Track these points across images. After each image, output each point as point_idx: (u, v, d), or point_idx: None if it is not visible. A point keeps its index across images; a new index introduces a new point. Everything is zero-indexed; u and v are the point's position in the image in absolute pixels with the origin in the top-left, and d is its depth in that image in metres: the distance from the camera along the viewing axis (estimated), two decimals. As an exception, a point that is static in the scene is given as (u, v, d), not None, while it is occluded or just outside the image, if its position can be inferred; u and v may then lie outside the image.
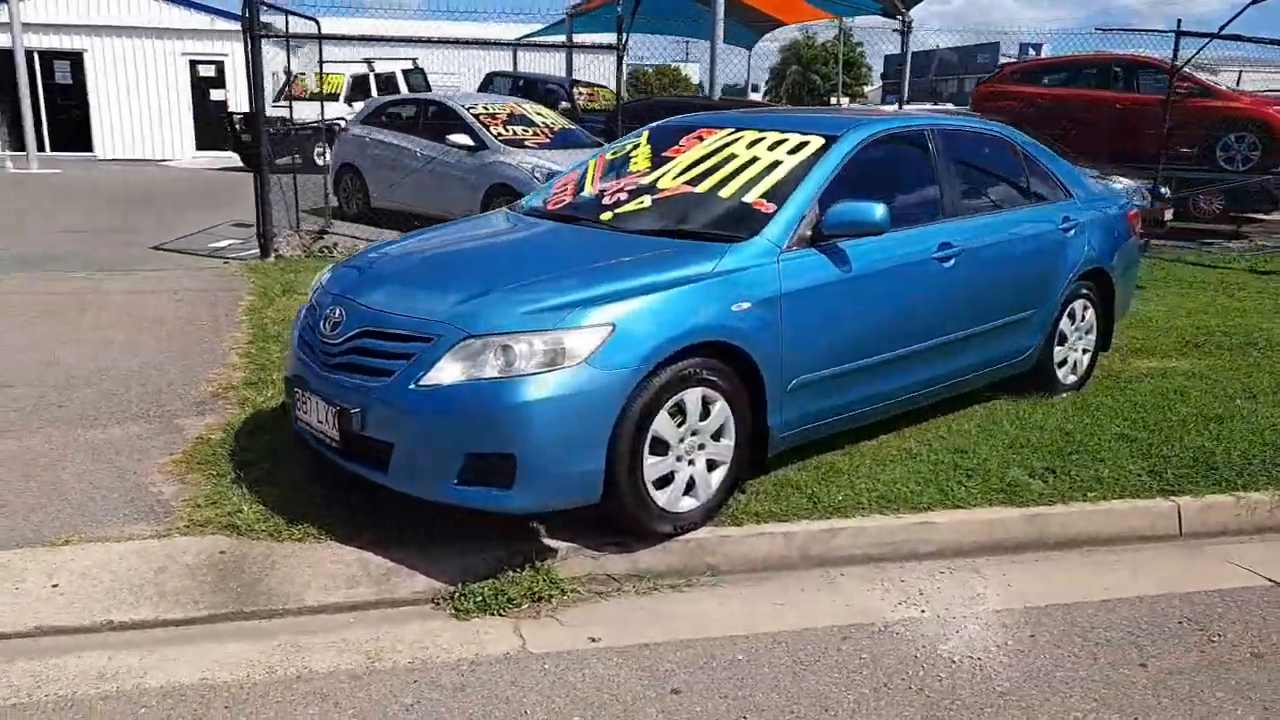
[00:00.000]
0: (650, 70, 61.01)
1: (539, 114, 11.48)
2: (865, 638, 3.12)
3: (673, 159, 4.40)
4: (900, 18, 19.44)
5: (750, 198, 3.97)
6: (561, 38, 20.67)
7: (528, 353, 3.14)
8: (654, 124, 4.94)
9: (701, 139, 4.50)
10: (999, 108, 13.74)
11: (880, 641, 3.11)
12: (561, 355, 3.16)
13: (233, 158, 20.22)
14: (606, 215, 4.17)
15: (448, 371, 3.16)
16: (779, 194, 3.94)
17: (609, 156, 4.78)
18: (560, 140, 10.87)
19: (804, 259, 3.80)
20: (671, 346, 3.31)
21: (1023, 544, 3.84)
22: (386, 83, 23.17)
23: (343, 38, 11.49)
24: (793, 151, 4.17)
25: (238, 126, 19.30)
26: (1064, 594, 3.46)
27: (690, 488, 3.56)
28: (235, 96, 22.43)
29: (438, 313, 3.32)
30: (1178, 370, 5.83)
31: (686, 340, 3.36)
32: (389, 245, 4.38)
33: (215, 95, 22.65)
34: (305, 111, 19.75)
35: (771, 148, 4.24)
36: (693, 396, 3.46)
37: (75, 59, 22.07)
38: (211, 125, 21.66)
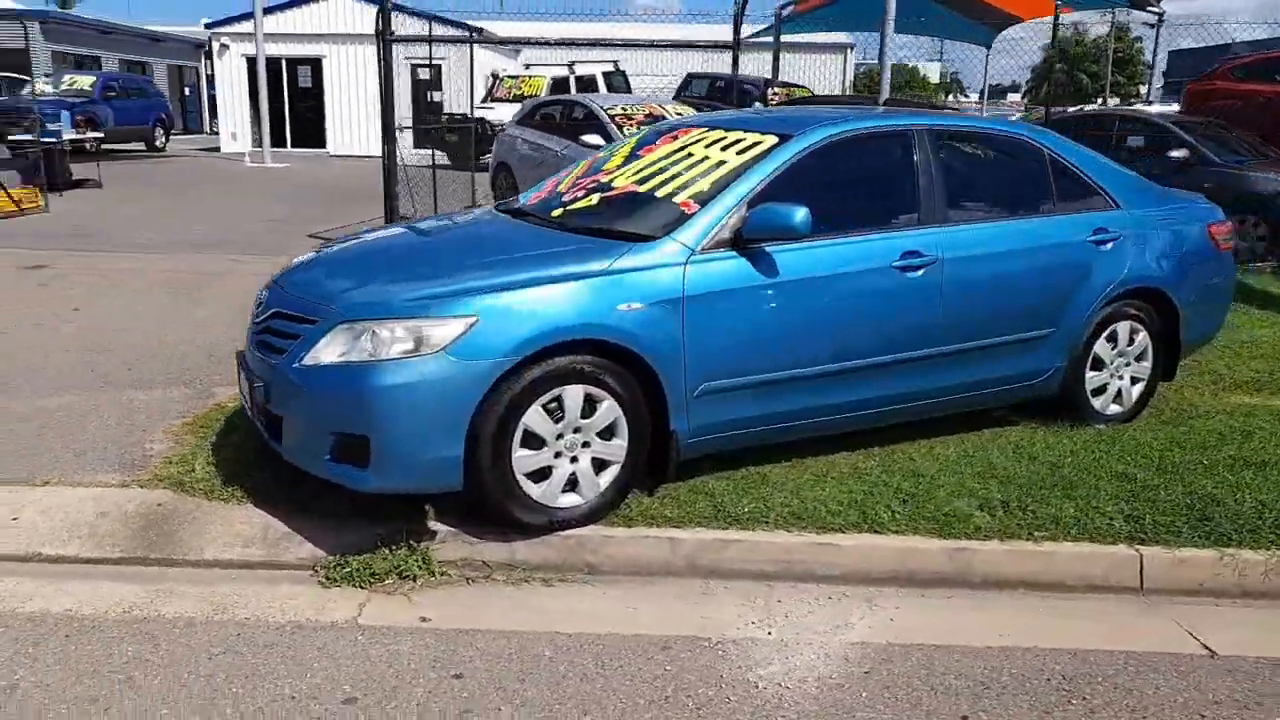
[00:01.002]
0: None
1: (678, 114, 11.59)
2: (687, 650, 3.04)
3: (640, 158, 4.40)
4: (1150, 9, 17.84)
5: (680, 198, 3.91)
6: (752, 37, 20.56)
7: (390, 339, 3.29)
8: (655, 124, 4.94)
9: (676, 138, 4.47)
10: (1213, 107, 12.42)
11: (699, 656, 3.01)
12: (422, 343, 3.28)
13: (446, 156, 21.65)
14: (557, 212, 4.24)
15: (325, 352, 3.37)
16: (709, 195, 3.85)
17: (601, 155, 4.83)
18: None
19: (719, 262, 3.71)
20: (540, 342, 3.35)
21: (943, 579, 3.55)
22: (587, 84, 23.99)
23: (540, 42, 12.07)
24: (742, 152, 4.06)
25: (444, 127, 20.66)
26: (945, 636, 3.18)
27: (574, 485, 3.57)
28: (450, 99, 23.98)
29: (328, 297, 3.54)
30: (1271, 409, 5.11)
31: (558, 337, 3.38)
32: (365, 233, 4.64)
33: (435, 97, 24.30)
34: (508, 112, 20.86)
35: (726, 148, 4.15)
36: (573, 393, 3.47)
37: (315, 64, 24.46)
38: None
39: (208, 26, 24.56)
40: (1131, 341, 4.78)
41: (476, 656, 2.97)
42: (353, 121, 24.16)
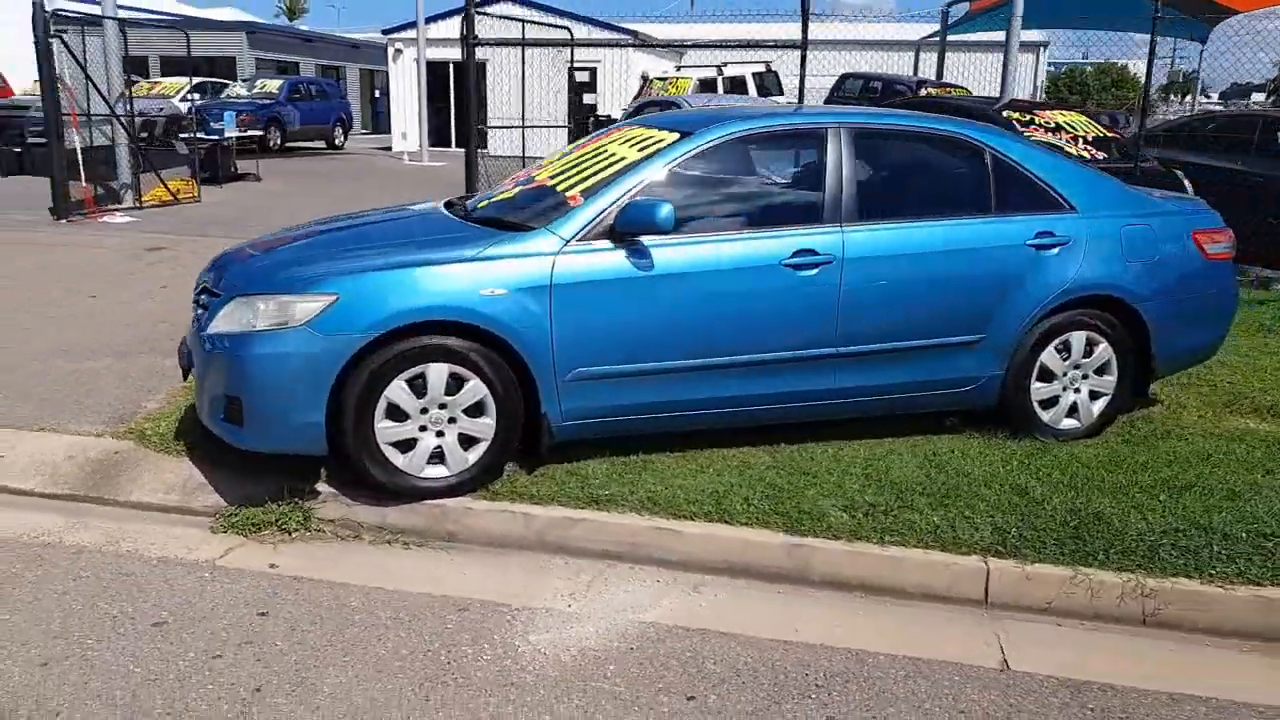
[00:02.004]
0: (1090, 69, 55.59)
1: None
2: (480, 613, 3.24)
3: (570, 155, 4.60)
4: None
5: (572, 192, 4.09)
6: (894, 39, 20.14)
7: (263, 312, 3.67)
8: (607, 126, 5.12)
9: (608, 136, 4.64)
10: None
11: (487, 619, 3.21)
12: (289, 317, 3.64)
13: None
14: (483, 204, 4.51)
15: (220, 322, 3.78)
16: (594, 190, 4.02)
17: (557, 153, 5.06)
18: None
19: (593, 254, 3.87)
20: (396, 321, 3.63)
21: (782, 574, 3.58)
22: (736, 85, 24.06)
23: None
24: (643, 149, 4.19)
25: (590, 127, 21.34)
26: (738, 626, 3.23)
27: (441, 458, 3.84)
28: (604, 100, 24.69)
29: (235, 274, 3.95)
30: (1257, 434, 4.73)
31: (415, 317, 3.65)
32: (318, 221, 5.03)
33: (587, 99, 25.08)
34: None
35: (634, 145, 4.29)
36: (437, 371, 3.74)
37: (479, 67, 25.72)
38: (582, 126, 24.03)
39: (385, 33, 26.33)
40: (1089, 353, 4.54)
41: (291, 600, 3.29)
42: (511, 123, 25.26)
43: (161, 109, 16.82)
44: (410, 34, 24.87)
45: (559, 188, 4.21)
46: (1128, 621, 3.34)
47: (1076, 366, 4.56)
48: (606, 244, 3.89)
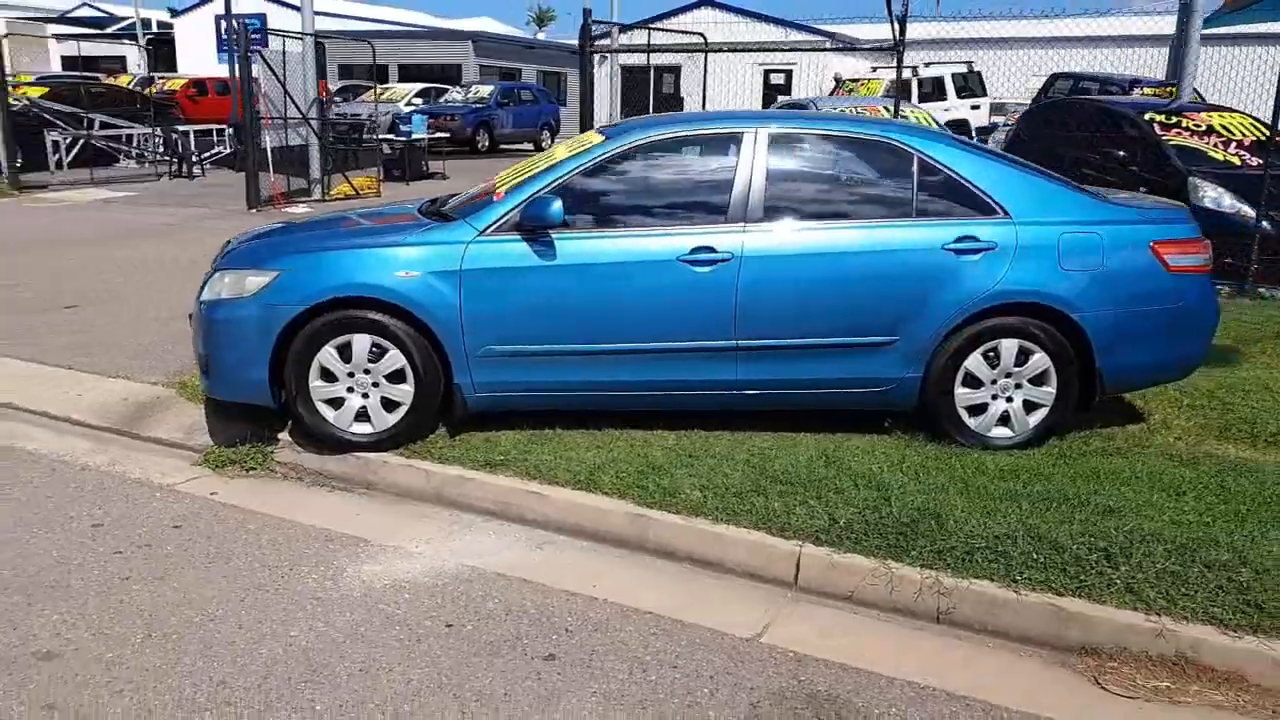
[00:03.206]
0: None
1: (902, 117, 11.43)
2: (340, 545, 3.82)
3: (539, 157, 5.09)
4: None
5: (500, 189, 4.59)
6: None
7: (227, 284, 4.43)
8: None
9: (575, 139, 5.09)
10: None
11: (340, 549, 3.78)
12: (243, 289, 4.38)
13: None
14: (450, 202, 5.08)
15: (204, 292, 4.58)
16: (515, 186, 4.49)
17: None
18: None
19: (500, 244, 4.35)
20: (322, 296, 4.28)
21: (623, 540, 3.92)
22: (933, 86, 23.41)
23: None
24: (572, 150, 4.62)
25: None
26: (546, 577, 3.60)
27: (366, 416, 4.46)
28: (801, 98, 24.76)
29: (226, 254, 4.74)
30: (1224, 460, 4.50)
31: (338, 293, 4.29)
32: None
33: (781, 99, 25.23)
34: None
35: (571, 146, 4.72)
36: (361, 341, 4.36)
37: (676, 72, 26.47)
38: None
39: (592, 39, 27.62)
40: (1023, 362, 4.49)
41: (205, 520, 4.01)
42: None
43: (358, 114, 18.67)
44: (608, 42, 26.03)
45: (497, 184, 4.71)
46: (922, 617, 3.42)
47: (1008, 375, 4.52)
48: (515, 236, 4.35)
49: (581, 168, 4.48)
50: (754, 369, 4.47)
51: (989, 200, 4.47)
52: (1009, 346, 4.47)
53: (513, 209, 4.37)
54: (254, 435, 4.74)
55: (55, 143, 15.25)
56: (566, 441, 4.53)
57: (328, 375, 4.41)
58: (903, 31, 9.07)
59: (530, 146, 26.68)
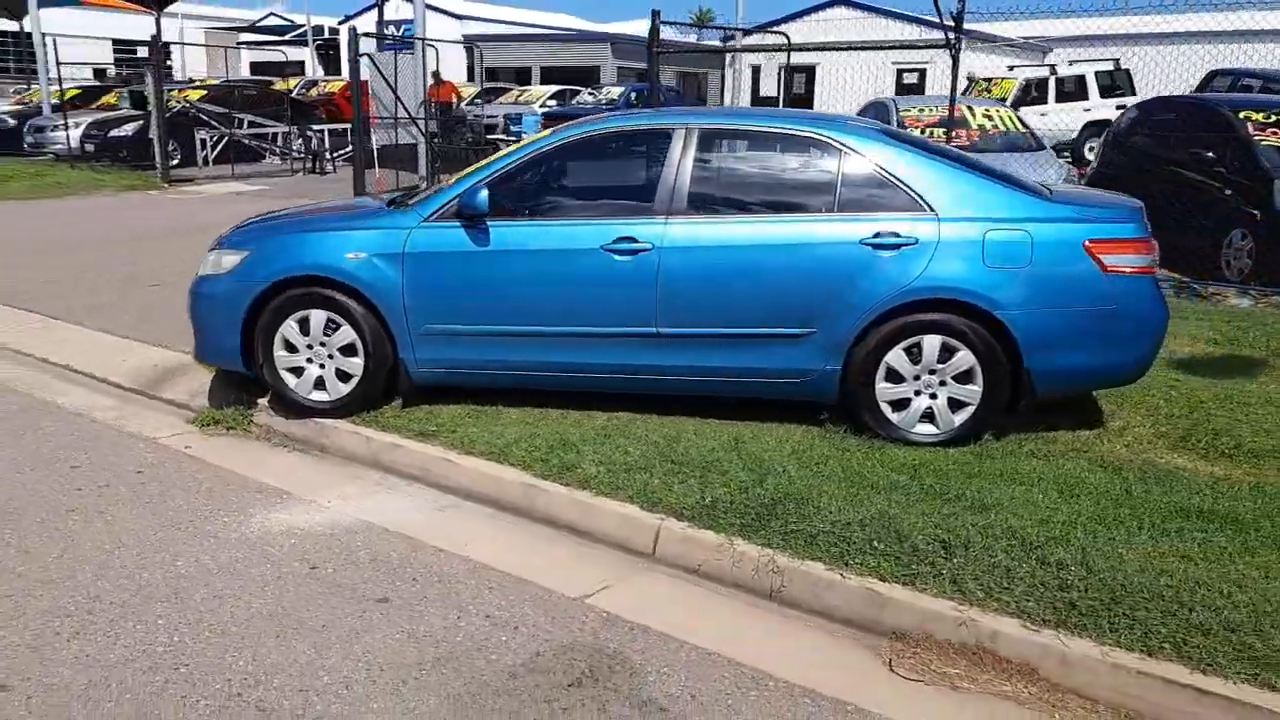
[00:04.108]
0: None
1: (985, 116, 11.15)
2: (267, 496, 4.27)
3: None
4: None
5: (452, 179, 4.95)
6: None
7: (210, 262, 4.99)
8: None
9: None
10: None
11: (265, 500, 4.23)
12: (221, 267, 4.92)
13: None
14: (419, 193, 5.48)
15: (199, 270, 5.17)
16: (465, 177, 4.85)
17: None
18: (980, 147, 10.55)
19: (439, 230, 4.71)
20: (282, 274, 4.76)
21: (518, 507, 4.20)
22: (1075, 85, 22.38)
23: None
24: (520, 143, 4.93)
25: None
26: (429, 536, 3.92)
27: (323, 385, 4.92)
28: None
29: (221, 237, 5.30)
30: (1156, 467, 4.38)
31: (296, 271, 4.76)
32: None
33: (867, 102, 24.69)
34: None
35: (522, 140, 5.03)
36: (317, 316, 4.82)
37: (809, 72, 26.29)
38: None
39: (722, 40, 27.79)
40: (946, 359, 4.49)
41: (167, 468, 4.56)
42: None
43: (472, 115, 19.52)
44: (747, 41, 26.14)
45: (454, 175, 5.07)
46: (758, 593, 3.54)
47: (931, 371, 4.52)
48: (455, 223, 4.70)
49: (521, 160, 4.78)
50: (675, 356, 4.65)
51: (914, 196, 4.49)
52: (931, 342, 4.48)
53: (453, 198, 4.72)
54: (241, 400, 5.28)
55: (203, 140, 16.76)
56: (500, 417, 4.84)
57: (290, 346, 4.88)
58: (958, 28, 8.87)
59: (659, 147, 27.13)
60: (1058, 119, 20.28)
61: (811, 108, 26.73)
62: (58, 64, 17.71)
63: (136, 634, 3.11)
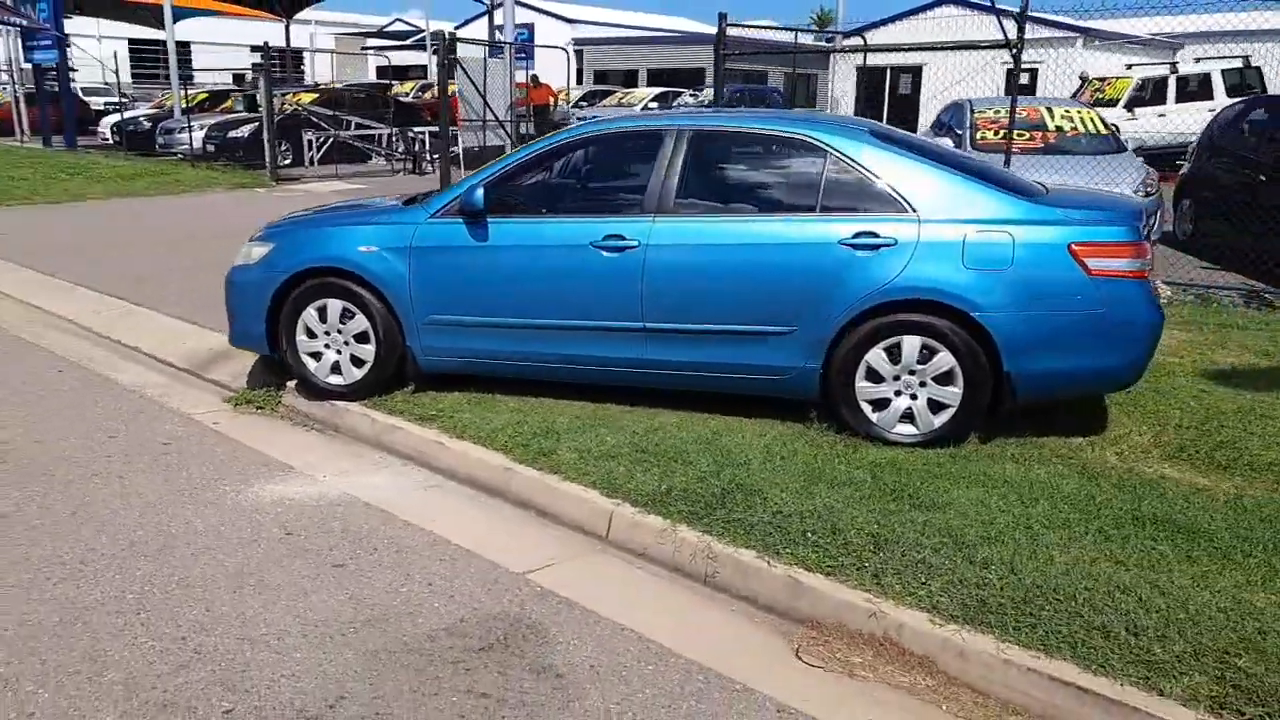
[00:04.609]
0: None
1: (1064, 116, 10.83)
2: (271, 469, 4.64)
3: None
4: None
5: (460, 177, 5.23)
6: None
7: (243, 253, 5.41)
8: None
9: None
10: None
11: (268, 472, 4.59)
12: (251, 258, 5.33)
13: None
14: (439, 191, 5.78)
15: (236, 259, 5.60)
16: (474, 175, 5.12)
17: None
18: (1054, 148, 10.29)
19: (443, 226, 4.99)
20: (302, 265, 5.14)
21: (495, 489, 4.45)
22: (1199, 84, 21.33)
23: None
24: (526, 145, 5.18)
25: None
26: (404, 511, 4.20)
27: (339, 369, 5.28)
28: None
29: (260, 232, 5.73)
30: (1137, 477, 4.31)
31: (314, 263, 5.12)
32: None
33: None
34: None
35: (528, 144, 5.28)
36: (334, 305, 5.18)
37: (916, 72, 25.78)
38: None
39: (827, 40, 27.52)
40: (926, 360, 4.51)
41: (191, 442, 4.98)
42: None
43: (574, 117, 19.93)
44: (852, 41, 25.84)
45: (468, 175, 5.36)
46: (694, 578, 3.68)
47: (912, 372, 4.55)
48: (458, 219, 4.98)
49: (523, 160, 5.02)
50: (661, 350, 4.80)
51: (897, 197, 4.52)
52: (911, 343, 4.50)
53: (456, 196, 4.99)
54: (273, 383, 5.70)
55: (309, 141, 17.69)
56: (496, 405, 5.09)
57: (310, 333, 5.26)
58: (1021, 30, 8.68)
59: (759, 148, 27.08)
60: (1178, 120, 19.30)
61: (917, 108, 26.25)
62: (173, 71, 18.92)
63: (115, 583, 3.48)
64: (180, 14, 34.34)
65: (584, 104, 28.77)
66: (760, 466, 4.24)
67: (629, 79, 34.17)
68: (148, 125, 21.92)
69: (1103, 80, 21.89)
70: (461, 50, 16.05)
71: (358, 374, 5.24)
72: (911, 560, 3.43)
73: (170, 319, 7.22)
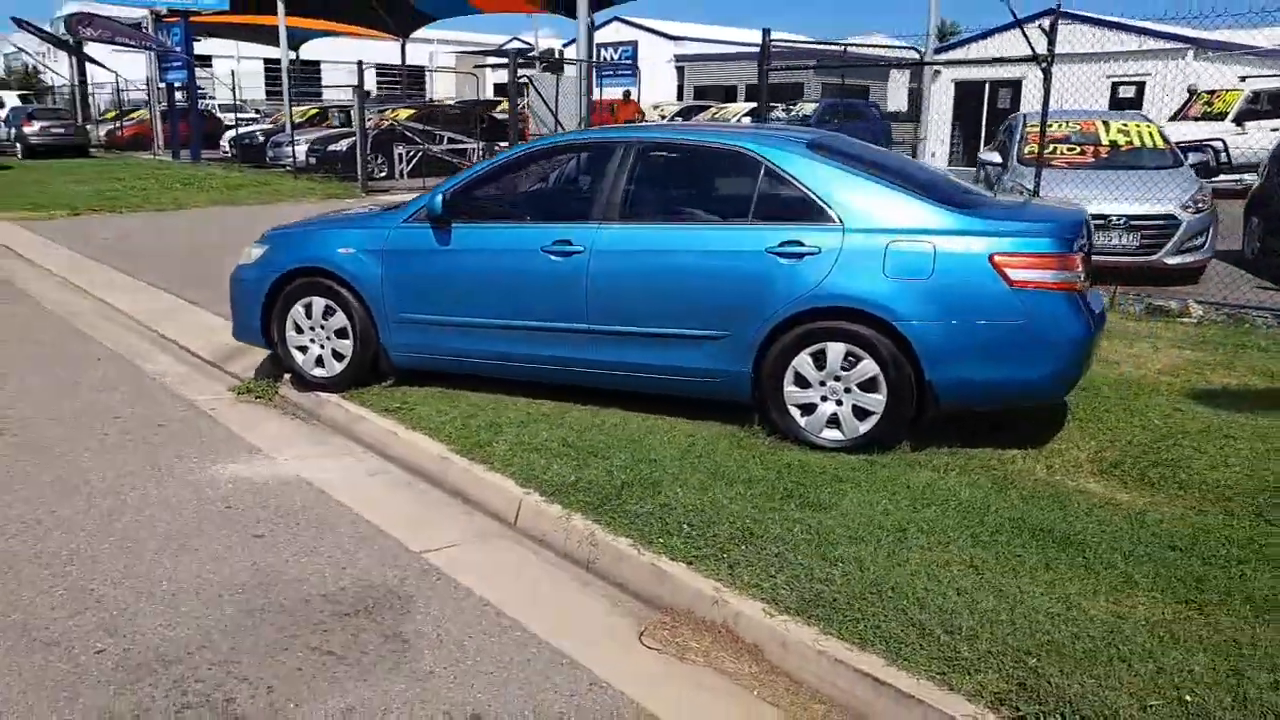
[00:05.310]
0: None
1: (1120, 130, 10.51)
2: (243, 451, 5.05)
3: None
4: None
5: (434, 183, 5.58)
6: None
7: (245, 254, 5.89)
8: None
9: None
10: None
11: (237, 454, 5.00)
12: (250, 258, 5.81)
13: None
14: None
15: (239, 259, 6.09)
16: (443, 183, 5.46)
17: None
18: (1105, 163, 10.02)
19: (413, 230, 5.34)
20: (291, 264, 5.57)
21: (432, 477, 4.73)
22: (1271, 101, 20.18)
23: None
24: (492, 156, 5.49)
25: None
26: (343, 495, 4.54)
27: (322, 363, 5.70)
28: (1151, 115, 22.50)
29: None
30: (1050, 490, 4.30)
31: (300, 263, 5.55)
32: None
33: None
34: (1185, 131, 19.24)
35: (496, 154, 5.59)
36: (318, 303, 5.60)
37: (1015, 86, 25.11)
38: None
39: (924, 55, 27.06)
40: (850, 367, 4.60)
41: (182, 425, 5.45)
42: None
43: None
44: (951, 55, 25.43)
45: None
46: (579, 564, 3.88)
47: (837, 378, 4.63)
48: (426, 224, 5.32)
49: (489, 169, 5.34)
50: (604, 351, 5.02)
51: (824, 207, 4.63)
52: (835, 350, 4.59)
53: (423, 203, 5.34)
54: (275, 374, 6.16)
55: (400, 155, 18.56)
56: (458, 400, 5.40)
57: (298, 328, 5.69)
58: (1051, 45, 8.54)
59: (852, 163, 26.83)
60: (1293, 135, 18.31)
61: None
62: (285, 89, 20.12)
63: (57, 540, 3.92)
64: (306, 35, 36.29)
65: (678, 119, 29.08)
66: (671, 463, 4.40)
67: (728, 94, 34.36)
68: (261, 139, 23.34)
69: (1212, 93, 20.87)
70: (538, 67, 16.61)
71: (338, 367, 5.63)
72: (769, 554, 3.55)
73: (212, 316, 7.81)
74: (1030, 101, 25.23)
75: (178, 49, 24.18)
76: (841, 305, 4.53)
